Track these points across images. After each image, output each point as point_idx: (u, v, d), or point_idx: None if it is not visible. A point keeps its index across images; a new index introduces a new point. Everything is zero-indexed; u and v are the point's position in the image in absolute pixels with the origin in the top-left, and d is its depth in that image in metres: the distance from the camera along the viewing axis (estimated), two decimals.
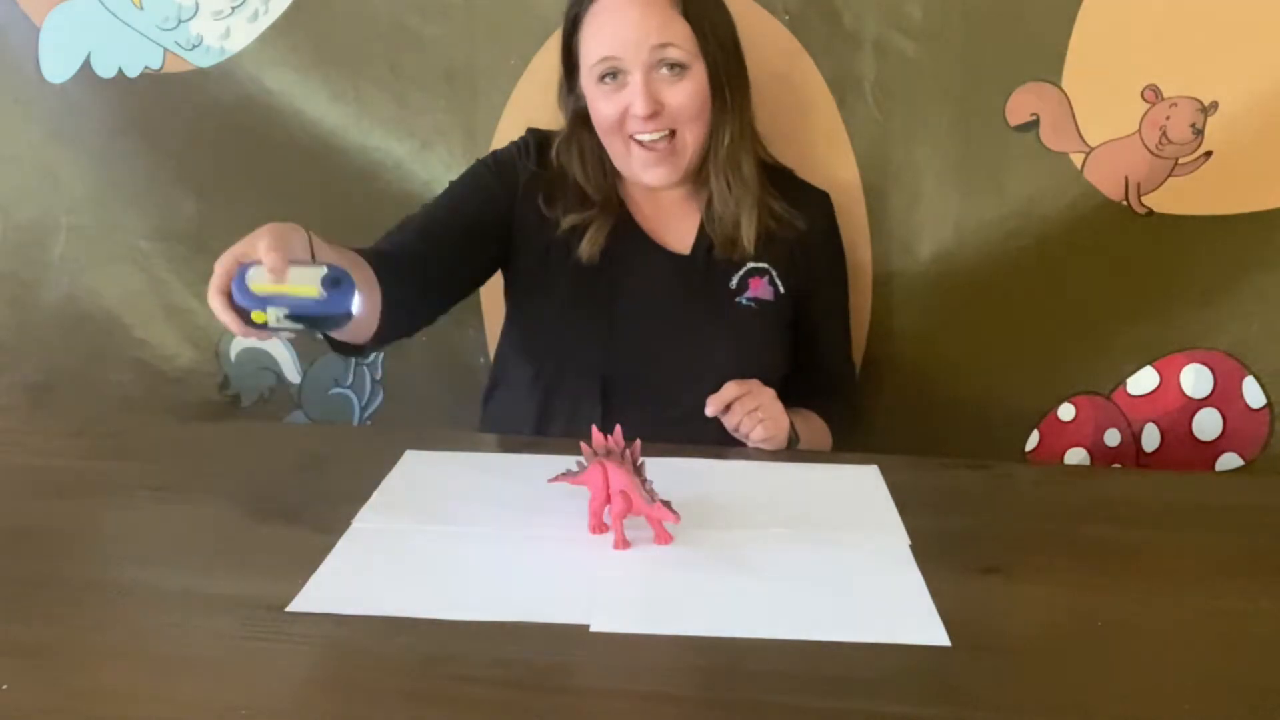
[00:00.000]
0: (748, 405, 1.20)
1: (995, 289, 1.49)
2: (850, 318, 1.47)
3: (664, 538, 0.97)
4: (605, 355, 1.30)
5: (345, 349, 1.14)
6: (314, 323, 0.91)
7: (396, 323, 1.14)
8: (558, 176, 1.33)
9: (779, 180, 1.37)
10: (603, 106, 1.25)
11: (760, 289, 1.33)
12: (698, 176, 1.32)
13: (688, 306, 1.32)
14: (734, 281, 1.32)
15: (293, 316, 0.90)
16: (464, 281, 1.33)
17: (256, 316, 0.90)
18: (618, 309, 1.30)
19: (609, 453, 0.96)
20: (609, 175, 1.33)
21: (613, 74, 1.24)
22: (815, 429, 1.34)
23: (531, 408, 1.33)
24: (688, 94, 1.24)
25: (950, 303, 1.51)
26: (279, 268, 0.89)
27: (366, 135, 1.57)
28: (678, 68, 1.23)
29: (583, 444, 0.98)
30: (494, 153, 1.37)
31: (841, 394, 1.44)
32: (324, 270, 0.90)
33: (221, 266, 0.92)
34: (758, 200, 1.30)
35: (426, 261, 1.22)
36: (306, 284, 0.89)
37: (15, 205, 1.70)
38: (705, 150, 1.29)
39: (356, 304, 0.91)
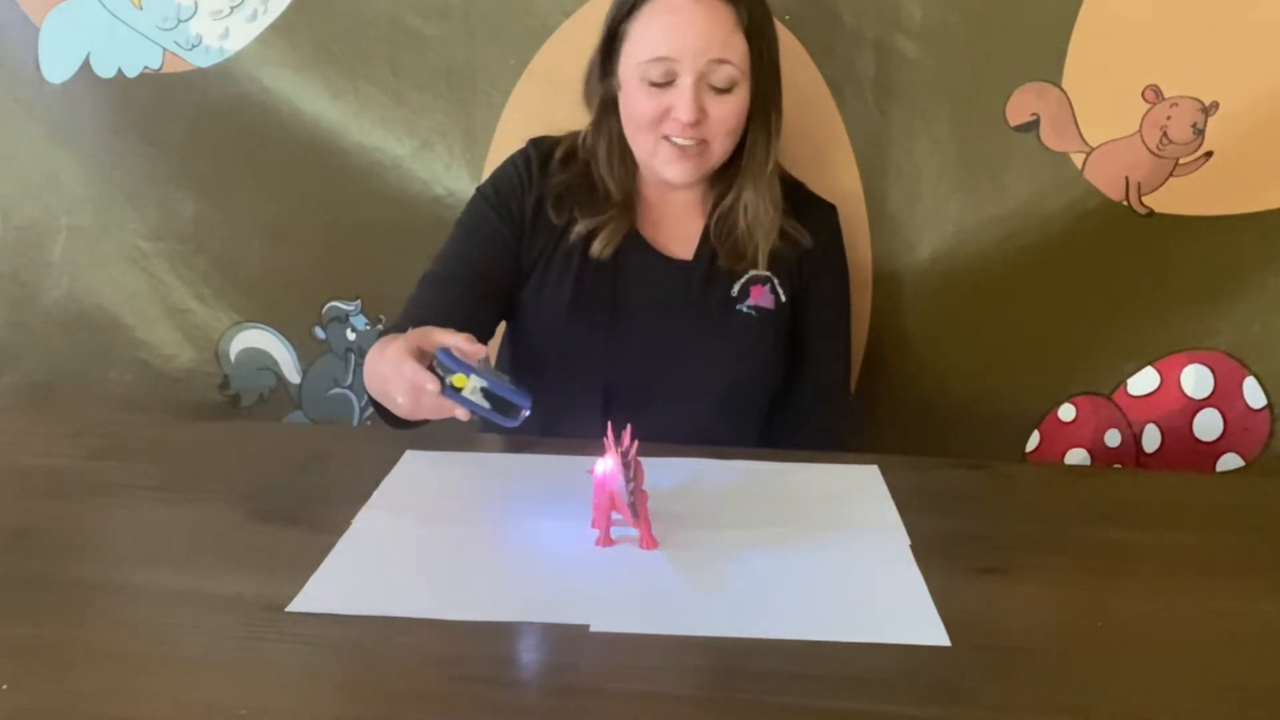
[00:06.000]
0: None
1: (995, 289, 1.49)
2: (849, 339, 1.43)
3: (648, 542, 0.97)
4: (607, 362, 1.29)
5: (398, 423, 1.16)
6: (497, 404, 0.97)
7: None
8: (565, 182, 1.31)
9: (790, 193, 1.35)
10: (643, 102, 1.23)
11: (761, 297, 1.32)
12: (710, 180, 1.32)
13: (688, 313, 1.31)
14: (735, 289, 1.32)
15: (486, 392, 0.96)
16: (494, 325, 1.35)
17: (458, 380, 0.96)
18: (618, 316, 1.30)
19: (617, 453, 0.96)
20: (630, 170, 1.32)
21: (663, 74, 1.21)
22: None
23: (535, 416, 1.33)
24: (731, 110, 1.23)
25: (950, 303, 1.50)
26: (478, 354, 0.97)
27: (366, 135, 1.57)
28: (729, 83, 1.22)
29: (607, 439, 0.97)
30: (493, 179, 1.35)
31: (827, 410, 1.40)
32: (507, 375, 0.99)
33: (416, 335, 1.00)
34: (775, 220, 1.29)
35: (460, 328, 1.26)
36: (499, 374, 0.97)
37: (15, 205, 1.70)
38: (727, 158, 1.29)
39: (528, 408, 0.98)
